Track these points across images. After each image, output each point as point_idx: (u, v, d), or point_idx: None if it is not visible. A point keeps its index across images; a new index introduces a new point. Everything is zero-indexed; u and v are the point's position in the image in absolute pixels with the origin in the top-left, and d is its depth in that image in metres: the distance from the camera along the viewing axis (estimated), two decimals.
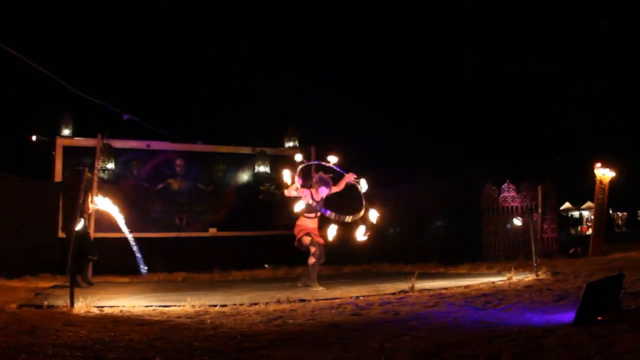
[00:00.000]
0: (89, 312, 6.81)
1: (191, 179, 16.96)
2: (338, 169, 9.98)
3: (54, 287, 10.55)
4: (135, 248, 11.29)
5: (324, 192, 9.65)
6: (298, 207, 9.43)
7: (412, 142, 27.83)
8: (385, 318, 6.06)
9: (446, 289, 8.51)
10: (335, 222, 9.30)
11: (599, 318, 5.03)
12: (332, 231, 9.31)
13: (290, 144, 18.37)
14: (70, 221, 7.69)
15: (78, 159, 15.08)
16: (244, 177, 17.61)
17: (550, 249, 14.60)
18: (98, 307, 7.11)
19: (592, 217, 17.11)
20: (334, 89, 29.25)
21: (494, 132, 27.62)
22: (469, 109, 28.54)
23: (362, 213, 9.47)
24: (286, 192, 9.57)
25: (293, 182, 9.40)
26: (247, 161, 17.73)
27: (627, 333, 4.44)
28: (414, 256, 14.72)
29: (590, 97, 25.84)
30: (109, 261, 14.24)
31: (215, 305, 7.26)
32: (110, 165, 15.62)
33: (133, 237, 13.57)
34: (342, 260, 15.40)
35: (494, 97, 28.00)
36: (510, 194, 14.94)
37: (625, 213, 38.24)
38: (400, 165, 25.30)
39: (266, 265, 15.41)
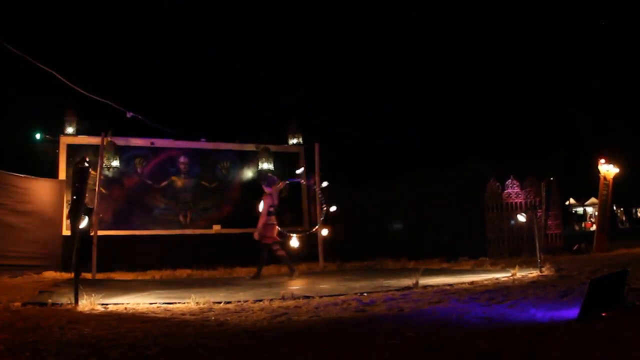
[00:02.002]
0: (93, 309, 6.83)
1: (195, 176, 16.93)
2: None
3: (58, 284, 10.57)
4: None
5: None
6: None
7: (416, 137, 27.78)
8: (390, 314, 6.07)
9: (450, 285, 8.51)
10: None
11: (603, 314, 5.03)
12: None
13: (294, 140, 18.33)
14: (74, 218, 7.71)
15: (82, 156, 15.06)
16: (248, 174, 17.56)
17: (554, 245, 14.59)
18: (102, 304, 7.13)
19: (596, 213, 17.07)
20: (337, 86, 29.22)
21: (498, 128, 27.57)
22: (473, 104, 28.49)
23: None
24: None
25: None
26: (250, 158, 17.68)
27: (630, 329, 4.43)
28: (418, 252, 14.70)
29: (594, 92, 25.79)
30: (113, 258, 14.26)
31: (220, 302, 7.27)
32: (114, 163, 15.61)
33: (138, 234, 13.68)
34: (346, 257, 15.39)
35: (497, 92, 27.94)
36: (514, 190, 14.92)
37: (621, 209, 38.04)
38: (404, 161, 25.27)
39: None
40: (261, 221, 11.77)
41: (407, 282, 8.68)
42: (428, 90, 28.58)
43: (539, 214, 11.51)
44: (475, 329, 4.92)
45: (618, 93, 25.43)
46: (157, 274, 13.27)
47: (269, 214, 11.74)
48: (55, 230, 14.27)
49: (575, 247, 14.54)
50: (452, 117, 28.44)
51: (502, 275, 9.51)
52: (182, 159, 16.86)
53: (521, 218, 14.48)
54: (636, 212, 41.28)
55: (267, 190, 11.98)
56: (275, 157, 17.82)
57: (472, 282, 8.77)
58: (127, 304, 7.34)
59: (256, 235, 11.74)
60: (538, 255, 10.12)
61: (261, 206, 11.93)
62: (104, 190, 14.55)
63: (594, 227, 19.94)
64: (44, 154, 15.93)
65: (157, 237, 15.72)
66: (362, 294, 7.87)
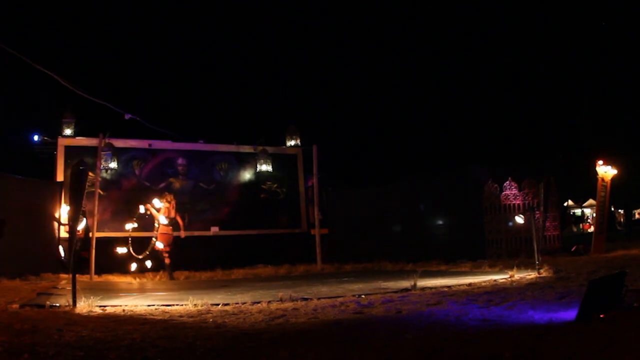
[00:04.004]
0: (91, 311, 6.82)
1: (193, 178, 16.93)
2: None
3: (56, 286, 10.54)
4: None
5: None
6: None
7: (415, 140, 27.82)
8: (388, 316, 6.06)
9: (448, 287, 8.50)
10: None
11: (601, 316, 5.03)
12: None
13: (292, 142, 18.34)
14: (72, 220, 7.71)
15: (80, 158, 15.03)
16: (246, 175, 17.56)
17: (552, 246, 14.57)
18: (100, 306, 7.11)
19: (594, 214, 17.07)
20: (337, 88, 29.27)
21: (496, 130, 27.62)
22: (471, 106, 28.54)
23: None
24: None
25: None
26: (249, 160, 17.69)
27: (629, 331, 4.43)
28: (416, 254, 14.69)
29: (592, 94, 25.82)
30: (112, 260, 14.25)
31: (218, 304, 7.26)
32: (112, 165, 15.61)
33: (134, 237, 13.87)
34: (344, 259, 15.39)
35: (495, 95, 27.99)
36: (512, 192, 14.91)
37: (621, 211, 38.02)
38: (403, 163, 25.31)
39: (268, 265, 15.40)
40: (159, 231, 13.33)
41: (405, 284, 8.67)
42: (427, 93, 28.63)
43: (537, 216, 11.51)
44: (474, 331, 4.92)
45: (616, 95, 25.45)
46: (155, 276, 13.25)
47: (166, 224, 13.39)
48: (53, 232, 14.25)
49: (573, 249, 14.53)
50: (450, 119, 28.49)
51: (500, 277, 9.51)
52: (180, 161, 16.86)
53: (519, 220, 14.49)
54: (634, 213, 41.27)
55: (164, 203, 13.53)
56: (274, 159, 17.83)
57: (470, 284, 8.76)
58: (125, 306, 7.32)
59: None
60: (536, 256, 10.11)
61: (159, 220, 13.54)
62: (102, 192, 14.52)
63: (592, 229, 19.93)
64: (42, 155, 15.91)
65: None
66: (360, 295, 7.86)
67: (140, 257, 13.91)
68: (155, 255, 13.50)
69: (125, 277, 13.35)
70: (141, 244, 13.98)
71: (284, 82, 28.57)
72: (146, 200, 16.01)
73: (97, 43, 26.51)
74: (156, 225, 13.46)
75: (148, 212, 13.76)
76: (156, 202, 13.62)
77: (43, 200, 14.18)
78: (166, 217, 13.35)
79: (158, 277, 13.23)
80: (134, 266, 14.04)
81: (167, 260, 13.12)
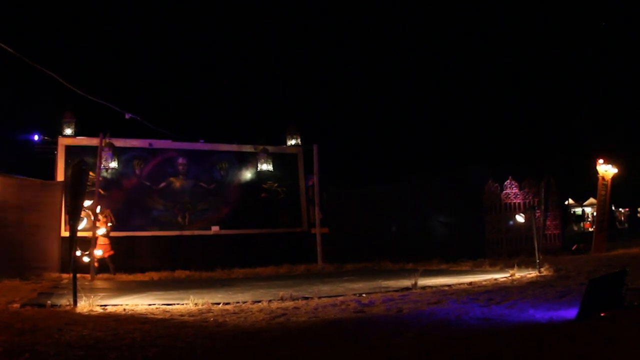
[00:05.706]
0: (92, 310, 6.82)
1: (193, 178, 16.89)
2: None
3: (57, 286, 10.55)
4: None
5: None
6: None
7: (415, 139, 27.78)
8: (389, 315, 6.06)
9: (449, 286, 8.51)
10: None
11: (602, 314, 5.03)
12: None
13: (293, 141, 18.31)
14: (73, 220, 7.71)
15: (80, 158, 15.00)
16: (247, 175, 17.52)
17: (553, 245, 14.57)
18: (101, 305, 7.12)
19: (595, 213, 17.07)
20: (337, 88, 29.23)
21: (496, 130, 27.57)
22: (471, 105, 28.50)
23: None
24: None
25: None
26: (249, 159, 17.65)
27: (629, 329, 4.43)
28: (417, 253, 14.68)
29: (592, 93, 25.79)
30: (112, 260, 14.25)
31: (218, 303, 7.26)
32: (113, 164, 15.59)
33: (135, 236, 13.92)
34: (344, 258, 15.38)
35: (496, 94, 27.94)
36: (513, 191, 14.91)
37: (627, 209, 38.03)
38: (404, 163, 25.27)
39: None
40: (98, 241, 13.82)
41: (405, 282, 8.67)
42: (427, 93, 28.59)
43: (537, 215, 11.51)
44: (475, 329, 4.92)
45: (616, 93, 25.44)
46: (155, 275, 13.26)
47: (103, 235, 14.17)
48: (53, 232, 14.23)
49: (573, 248, 14.53)
50: (451, 119, 28.45)
51: (500, 276, 9.51)
52: (180, 160, 16.83)
53: (520, 218, 14.49)
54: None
55: (101, 218, 14.26)
56: (274, 158, 17.79)
57: (470, 283, 8.77)
58: (126, 305, 7.33)
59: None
60: (537, 255, 10.12)
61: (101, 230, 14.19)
62: (102, 192, 14.52)
63: (592, 228, 19.94)
64: (42, 155, 15.88)
65: (156, 239, 15.70)
66: (361, 294, 7.86)
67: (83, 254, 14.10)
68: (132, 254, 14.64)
69: (126, 277, 13.35)
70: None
71: (283, 81, 28.51)
72: (147, 200, 16.07)
73: (97, 43, 26.47)
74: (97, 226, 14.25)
75: (88, 215, 14.16)
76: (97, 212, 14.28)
77: (43, 201, 14.16)
78: (105, 230, 14.15)
79: (158, 276, 13.23)
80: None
81: (111, 265, 13.91)
